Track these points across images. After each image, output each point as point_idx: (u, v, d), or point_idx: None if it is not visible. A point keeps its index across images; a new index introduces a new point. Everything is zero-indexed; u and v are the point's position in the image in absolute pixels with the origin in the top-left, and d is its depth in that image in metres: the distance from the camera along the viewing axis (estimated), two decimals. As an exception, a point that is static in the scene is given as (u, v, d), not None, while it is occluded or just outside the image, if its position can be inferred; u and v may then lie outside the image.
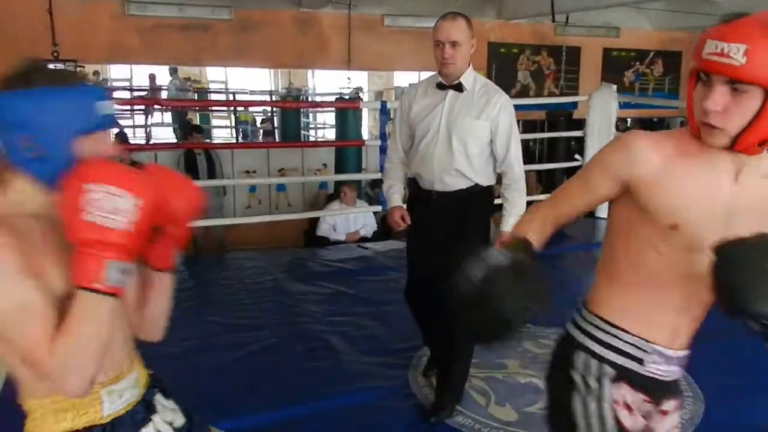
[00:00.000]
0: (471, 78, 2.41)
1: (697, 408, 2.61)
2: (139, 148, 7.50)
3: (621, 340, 1.27)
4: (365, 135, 8.32)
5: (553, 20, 7.44)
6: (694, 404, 2.63)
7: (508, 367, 2.97)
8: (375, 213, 5.46)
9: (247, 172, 6.74)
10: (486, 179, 2.45)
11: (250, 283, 4.13)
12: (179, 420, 1.22)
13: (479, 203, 2.46)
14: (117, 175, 0.96)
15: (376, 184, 5.79)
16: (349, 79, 7.94)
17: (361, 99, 7.91)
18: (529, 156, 8.08)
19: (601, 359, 1.27)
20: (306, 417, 2.52)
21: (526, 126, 7.70)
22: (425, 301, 2.57)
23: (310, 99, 9.74)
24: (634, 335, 1.27)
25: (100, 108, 1.02)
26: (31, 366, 0.97)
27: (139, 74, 10.20)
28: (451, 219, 2.42)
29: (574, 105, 7.79)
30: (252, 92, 9.14)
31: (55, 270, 0.98)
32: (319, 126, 10.90)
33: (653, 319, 1.28)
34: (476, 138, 2.38)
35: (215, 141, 9.45)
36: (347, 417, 2.54)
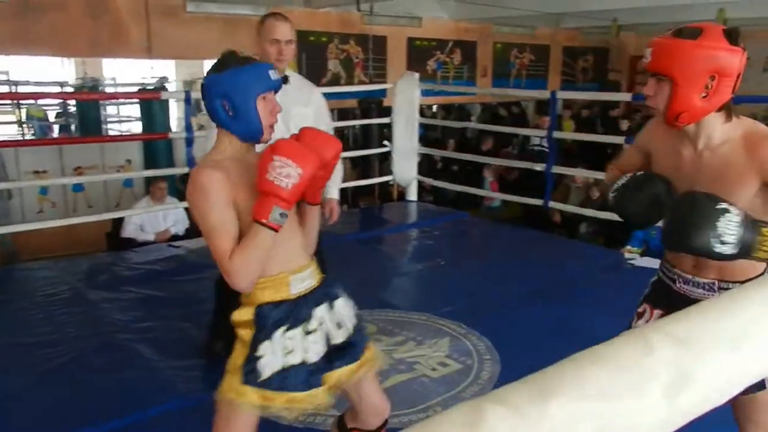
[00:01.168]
0: (290, 72, 2.68)
1: (495, 368, 2.86)
2: None
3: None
4: (175, 127, 7.91)
5: (359, 9, 7.63)
6: (492, 366, 2.89)
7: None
8: (186, 209, 5.22)
9: (37, 172, 6.08)
10: None
11: (41, 295, 3.73)
12: (348, 318, 1.68)
13: None
14: (293, 151, 1.45)
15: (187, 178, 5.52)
16: (152, 68, 7.46)
17: (166, 89, 7.48)
18: (344, 143, 8.24)
19: None
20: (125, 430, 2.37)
21: (341, 114, 7.83)
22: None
23: (108, 90, 9.00)
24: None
25: (271, 75, 1.57)
26: (219, 265, 1.48)
27: None
28: None
29: (383, 93, 8.09)
30: (39, 83, 8.19)
31: (244, 199, 1.49)
32: (124, 119, 10.14)
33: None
34: (305, 123, 2.55)
35: (-1, 139, 8.37)
36: (165, 426, 2.43)
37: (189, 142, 4.84)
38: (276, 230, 1.45)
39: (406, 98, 5.87)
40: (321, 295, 1.64)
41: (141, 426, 2.42)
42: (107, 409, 2.52)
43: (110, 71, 9.94)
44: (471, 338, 3.17)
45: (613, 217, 4.86)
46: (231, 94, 1.51)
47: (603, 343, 0.52)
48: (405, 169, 6.03)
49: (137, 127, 8.61)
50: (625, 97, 10.32)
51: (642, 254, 4.54)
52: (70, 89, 8.09)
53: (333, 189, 2.81)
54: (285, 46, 2.55)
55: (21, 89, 8.19)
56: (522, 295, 3.74)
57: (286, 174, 1.42)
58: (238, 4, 7.95)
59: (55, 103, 9.02)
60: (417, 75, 5.96)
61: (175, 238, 5.02)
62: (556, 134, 5.61)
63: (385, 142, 6.17)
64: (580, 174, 5.89)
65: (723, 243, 1.32)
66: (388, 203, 6.94)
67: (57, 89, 7.98)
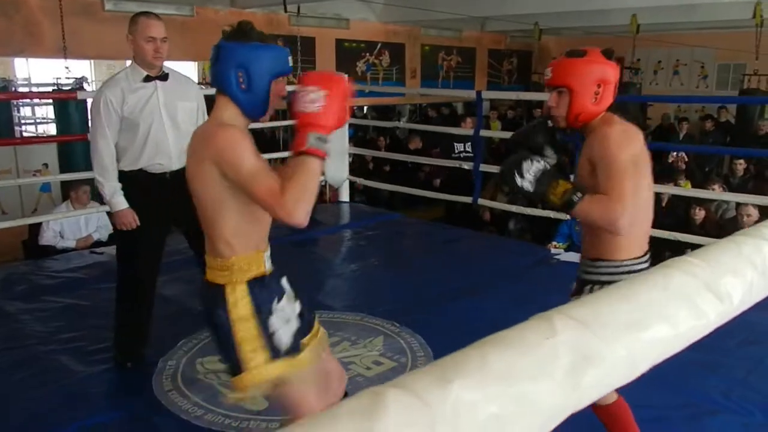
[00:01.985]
0: (167, 68, 2.74)
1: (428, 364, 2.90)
2: None
3: None
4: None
5: (285, 10, 7.56)
6: (426, 362, 2.92)
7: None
8: (109, 213, 5.00)
9: (-58, 178, 5.68)
10: None
11: (-49, 309, 3.50)
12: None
13: None
14: (313, 78, 1.51)
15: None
16: (67, 68, 7.12)
17: (83, 89, 7.17)
18: (273, 144, 8.15)
19: None
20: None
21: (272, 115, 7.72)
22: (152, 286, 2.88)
23: (21, 90, 8.53)
24: None
25: (289, 60, 1.63)
26: (270, 207, 1.48)
27: None
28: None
29: (313, 94, 8.06)
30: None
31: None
32: (40, 121, 9.63)
33: None
34: (190, 117, 2.75)
35: None
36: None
37: (111, 144, 4.65)
38: (320, 156, 1.47)
39: (336, 99, 5.86)
40: (278, 270, 1.73)
41: None
42: (33, 422, 2.40)
43: (24, 71, 9.44)
44: (404, 336, 3.20)
45: (540, 213, 5.03)
46: (250, 67, 1.53)
47: (509, 328, 0.54)
48: (336, 170, 6.02)
49: (53, 130, 8.21)
50: (545, 96, 10.74)
51: (567, 249, 4.72)
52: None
53: None
54: (161, 44, 2.61)
55: None
56: (453, 292, 3.81)
57: (310, 99, 1.46)
58: (161, 4, 7.71)
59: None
60: (346, 76, 5.96)
61: (98, 244, 4.81)
62: (483, 133, 5.75)
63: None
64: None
65: (522, 177, 1.71)
66: (321, 204, 6.91)
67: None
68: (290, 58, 1.63)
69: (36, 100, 9.50)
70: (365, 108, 10.55)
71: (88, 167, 5.95)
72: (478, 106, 5.58)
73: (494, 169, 5.87)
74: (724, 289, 0.58)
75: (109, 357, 2.93)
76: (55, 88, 6.86)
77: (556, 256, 4.62)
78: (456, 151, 6.89)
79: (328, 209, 6.41)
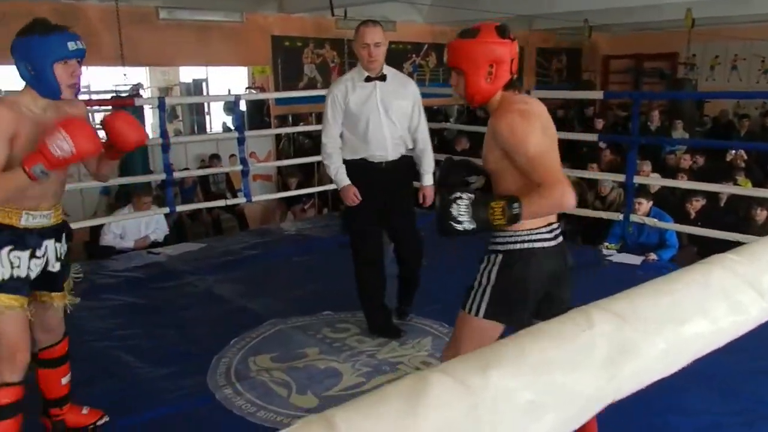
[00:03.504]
0: (388, 70, 3.06)
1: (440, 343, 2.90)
2: None
3: None
4: (150, 134, 7.84)
5: (332, 14, 7.65)
6: (433, 341, 2.98)
7: (308, 355, 3.03)
8: (166, 215, 5.18)
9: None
10: (410, 146, 3.19)
11: (20, 306, 3.69)
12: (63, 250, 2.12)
13: (412, 166, 3.24)
14: (75, 129, 1.78)
15: (164, 185, 5.48)
16: (125, 75, 7.38)
17: (140, 96, 7.43)
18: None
19: None
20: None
21: (318, 118, 7.82)
22: (381, 259, 3.27)
23: (81, 98, 8.90)
24: None
25: (69, 46, 1.86)
26: None
27: None
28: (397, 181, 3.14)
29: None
30: (9, 93, 8.08)
31: (25, 143, 1.84)
32: (97, 127, 9.99)
33: None
34: (404, 114, 3.09)
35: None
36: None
37: (165, 148, 4.82)
38: (31, 179, 1.81)
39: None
40: (51, 231, 2.02)
41: None
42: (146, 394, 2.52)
43: (84, 79, 9.82)
44: (453, 336, 3.21)
45: (590, 214, 4.94)
46: (31, 58, 1.84)
47: (547, 321, 0.55)
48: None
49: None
50: (596, 95, 10.45)
51: (619, 250, 4.62)
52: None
53: (427, 177, 3.27)
54: (374, 49, 2.93)
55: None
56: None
57: (60, 145, 1.76)
58: (211, 11, 7.91)
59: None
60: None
61: (155, 245, 4.99)
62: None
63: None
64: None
65: (460, 223, 1.69)
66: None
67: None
68: (72, 43, 1.87)
69: (95, 107, 9.87)
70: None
71: (144, 171, 6.21)
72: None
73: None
74: (767, 286, 0.58)
75: (164, 353, 3.03)
76: (114, 95, 7.12)
77: (609, 258, 4.53)
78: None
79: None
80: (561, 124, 9.70)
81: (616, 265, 4.39)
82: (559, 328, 0.52)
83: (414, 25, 10.23)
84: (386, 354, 3.02)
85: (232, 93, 8.02)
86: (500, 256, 1.80)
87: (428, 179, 3.27)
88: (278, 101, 8.53)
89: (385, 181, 3.09)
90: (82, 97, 10.11)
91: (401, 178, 3.17)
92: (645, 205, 4.60)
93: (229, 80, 9.32)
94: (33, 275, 1.99)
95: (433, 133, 10.09)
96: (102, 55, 7.21)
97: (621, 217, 4.69)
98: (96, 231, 5.24)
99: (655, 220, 4.54)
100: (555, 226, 1.84)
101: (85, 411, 2.36)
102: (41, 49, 1.82)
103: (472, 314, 1.83)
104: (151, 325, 3.42)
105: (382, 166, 3.09)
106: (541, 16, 9.88)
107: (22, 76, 1.88)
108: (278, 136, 8.69)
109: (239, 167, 5.41)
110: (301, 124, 8.66)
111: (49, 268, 2.06)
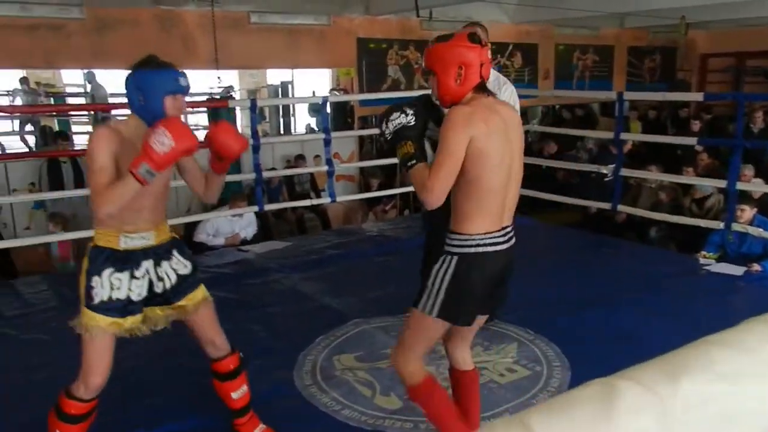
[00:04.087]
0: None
1: (565, 375, 2.81)
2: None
3: None
4: (240, 135, 8.10)
5: (418, 15, 7.65)
6: (561, 372, 2.84)
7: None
8: (257, 214, 5.35)
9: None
10: None
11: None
12: (184, 269, 2.16)
13: None
14: (173, 125, 1.86)
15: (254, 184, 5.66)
16: (219, 78, 7.69)
17: (233, 98, 7.71)
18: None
19: None
20: (196, 429, 2.46)
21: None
22: None
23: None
24: None
25: (179, 81, 1.96)
26: (92, 200, 1.91)
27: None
28: None
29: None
30: (113, 95, 8.59)
31: (124, 166, 1.89)
32: (193, 128, 10.43)
33: None
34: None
35: (77, 148, 8.79)
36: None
37: (255, 149, 4.97)
38: (140, 182, 1.86)
39: (468, 102, 5.83)
40: (152, 253, 2.07)
41: (210, 425, 2.47)
42: (189, 403, 2.62)
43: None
44: (539, 344, 3.13)
45: (687, 221, 4.69)
46: (144, 89, 1.94)
47: (727, 330, 0.53)
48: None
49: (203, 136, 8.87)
50: (695, 97, 9.87)
51: (718, 260, 4.37)
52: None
53: None
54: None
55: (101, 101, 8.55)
56: (589, 301, 3.67)
57: (161, 141, 1.83)
58: (300, 15, 8.11)
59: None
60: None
61: (243, 242, 5.16)
62: (624, 136, 5.47)
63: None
64: (652, 176, 5.72)
65: (387, 126, 1.91)
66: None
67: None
68: (181, 78, 1.97)
69: (190, 109, 10.33)
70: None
71: (235, 171, 6.43)
72: (618, 108, 5.32)
73: (637, 173, 5.58)
74: None
75: (252, 347, 3.12)
76: (209, 97, 7.41)
77: (706, 267, 4.29)
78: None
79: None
80: (654, 127, 9.35)
81: (715, 276, 4.16)
82: (741, 338, 0.50)
83: (499, 25, 10.08)
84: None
85: (316, 95, 8.19)
86: (455, 259, 1.87)
87: None
88: (362, 102, 8.64)
89: None
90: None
91: None
92: (748, 212, 4.32)
93: (312, 82, 9.53)
94: (134, 297, 2.02)
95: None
96: (198, 58, 7.55)
97: (721, 225, 4.43)
98: (189, 227, 5.48)
99: (760, 229, 4.25)
100: (509, 229, 1.93)
101: (258, 430, 2.38)
102: (155, 82, 1.92)
103: (425, 313, 1.92)
104: (240, 319, 3.52)
105: None
106: (634, 14, 9.49)
107: (132, 105, 1.97)
108: (361, 138, 8.80)
109: (324, 168, 5.51)
110: (384, 125, 8.71)
111: (154, 289, 2.08)
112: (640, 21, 10.28)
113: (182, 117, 2.01)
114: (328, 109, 5.68)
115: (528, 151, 8.84)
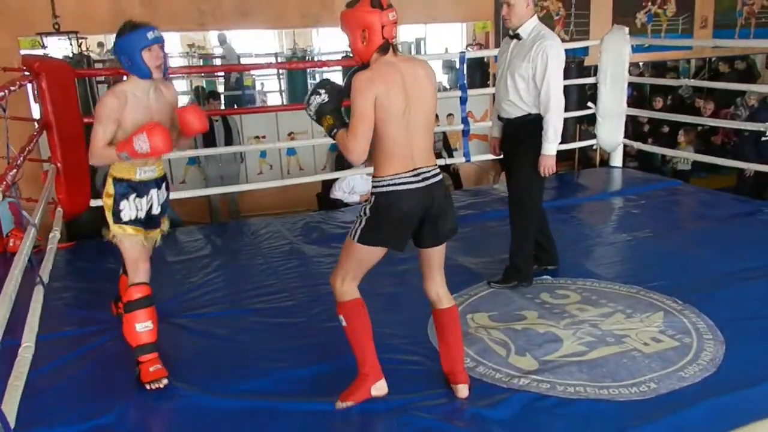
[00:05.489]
0: (529, 28, 3.14)
1: (718, 349, 2.61)
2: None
3: None
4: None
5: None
6: (714, 346, 2.64)
7: (527, 318, 2.99)
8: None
9: (257, 137, 6.70)
10: (534, 109, 3.17)
11: (266, 248, 4.16)
12: (163, 199, 2.70)
13: (532, 127, 3.17)
14: (154, 135, 2.32)
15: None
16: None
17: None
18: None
19: None
20: (333, 372, 2.56)
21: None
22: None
23: (316, 59, 9.60)
24: None
25: (147, 36, 2.38)
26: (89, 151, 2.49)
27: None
28: (511, 142, 3.32)
29: (585, 51, 7.62)
30: (256, 55, 9.00)
31: (132, 121, 2.42)
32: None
33: None
34: (525, 77, 3.12)
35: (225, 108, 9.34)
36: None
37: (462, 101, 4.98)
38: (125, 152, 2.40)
39: (614, 55, 5.46)
40: (155, 182, 2.63)
41: (344, 370, 2.54)
42: (324, 349, 2.75)
43: (316, 41, 10.58)
44: (688, 315, 2.93)
45: None
46: (126, 51, 2.39)
47: None
48: (611, 133, 5.66)
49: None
50: None
51: None
52: (281, 59, 8.73)
53: (545, 145, 3.15)
54: (506, 8, 3.16)
55: (243, 61, 9.02)
56: (744, 272, 3.37)
57: (140, 143, 2.33)
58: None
59: (271, 72, 9.85)
60: (627, 29, 5.51)
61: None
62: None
63: (590, 104, 5.83)
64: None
65: (308, 108, 2.19)
66: (588, 169, 6.60)
67: (273, 60, 8.67)
68: (151, 33, 2.38)
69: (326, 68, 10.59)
70: (641, 64, 9.62)
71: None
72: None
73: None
74: None
75: (384, 301, 3.19)
76: (344, 55, 7.53)
77: None
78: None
79: (598, 174, 6.08)
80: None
81: None
82: None
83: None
84: (611, 325, 2.86)
85: (449, 51, 8.01)
86: (373, 197, 2.20)
87: (545, 147, 3.15)
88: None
89: (506, 138, 3.34)
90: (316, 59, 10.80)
91: (515, 138, 3.25)
92: None
93: (444, 39, 9.33)
94: (142, 216, 2.59)
95: (665, 91, 9.18)
96: (336, 15, 7.64)
97: None
98: (326, 184, 5.68)
99: None
100: (425, 170, 2.19)
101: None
102: (130, 42, 2.37)
103: (351, 238, 2.24)
104: (373, 274, 3.60)
105: (505, 122, 3.31)
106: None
107: (124, 67, 2.44)
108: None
109: (459, 126, 5.43)
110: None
111: (153, 212, 2.62)
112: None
113: (160, 63, 2.41)
114: (465, 66, 5.55)
115: (681, 108, 8.21)
